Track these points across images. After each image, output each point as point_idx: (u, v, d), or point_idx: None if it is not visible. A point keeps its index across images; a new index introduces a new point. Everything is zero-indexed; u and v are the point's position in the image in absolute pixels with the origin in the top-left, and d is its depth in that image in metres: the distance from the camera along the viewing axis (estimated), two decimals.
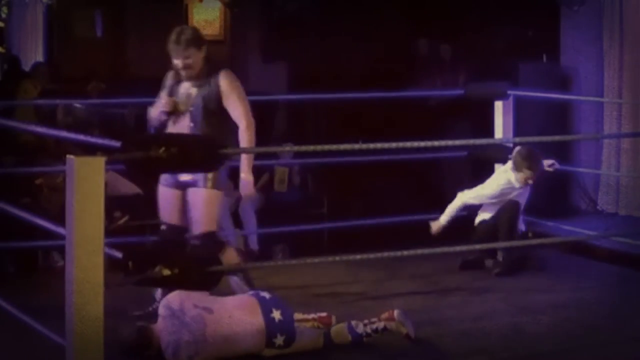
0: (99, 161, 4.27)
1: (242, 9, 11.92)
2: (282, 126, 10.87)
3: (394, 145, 4.81)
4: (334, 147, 5.31)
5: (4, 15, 11.50)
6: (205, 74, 5.85)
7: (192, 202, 5.85)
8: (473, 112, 9.12)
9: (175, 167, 4.93)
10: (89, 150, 6.12)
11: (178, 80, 5.92)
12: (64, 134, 5.98)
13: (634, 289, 6.93)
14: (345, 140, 5.29)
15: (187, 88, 5.89)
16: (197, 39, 5.84)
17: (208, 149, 4.58)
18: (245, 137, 5.79)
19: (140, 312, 5.91)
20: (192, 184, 5.83)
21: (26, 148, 8.34)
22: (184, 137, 5.37)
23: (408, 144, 4.77)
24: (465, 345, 5.52)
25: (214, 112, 5.83)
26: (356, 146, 5.38)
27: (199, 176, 5.78)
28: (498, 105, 8.03)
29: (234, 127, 5.85)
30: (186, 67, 5.81)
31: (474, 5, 10.87)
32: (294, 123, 10.82)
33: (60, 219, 4.46)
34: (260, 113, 10.15)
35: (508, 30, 10.62)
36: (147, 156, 4.37)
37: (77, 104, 8.91)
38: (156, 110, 5.96)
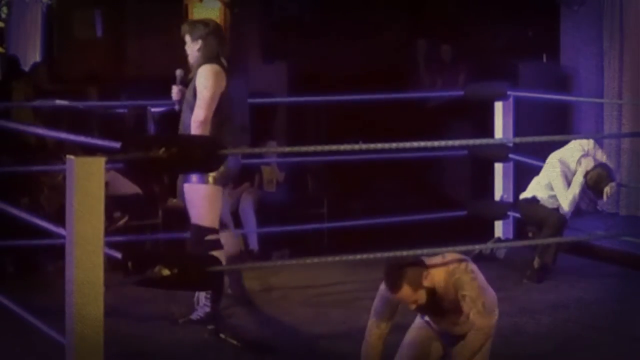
0: (99, 161, 4.26)
1: (242, 9, 11.91)
2: (282, 126, 10.87)
3: (394, 145, 4.81)
4: (333, 147, 5.31)
5: (3, 15, 11.48)
6: (196, 68, 5.90)
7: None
8: (473, 113, 9.12)
9: (175, 168, 4.94)
10: (89, 150, 6.13)
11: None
12: (64, 134, 5.98)
13: (634, 289, 6.93)
14: (345, 140, 5.29)
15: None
16: (192, 29, 5.92)
17: (208, 149, 4.58)
18: (193, 128, 5.79)
19: (184, 318, 6.01)
20: None
21: (26, 148, 8.34)
22: (184, 137, 5.37)
23: (408, 144, 4.77)
24: None
25: (192, 106, 5.87)
26: (356, 146, 5.38)
27: None
28: (498, 105, 8.03)
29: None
30: (187, 54, 5.98)
31: (474, 6, 10.86)
32: (293, 123, 10.82)
33: (59, 219, 4.46)
34: (260, 113, 10.20)
35: (508, 30, 10.62)
36: (147, 156, 4.37)
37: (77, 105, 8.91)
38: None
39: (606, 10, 9.40)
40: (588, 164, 7.04)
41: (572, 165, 7.12)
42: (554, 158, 7.23)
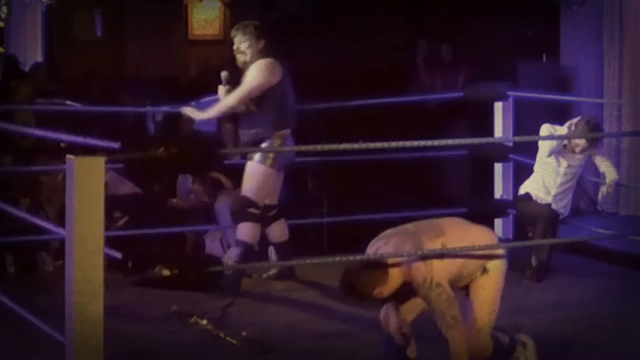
0: (99, 161, 4.27)
1: (242, 9, 11.93)
2: None
3: (393, 144, 4.80)
4: (334, 147, 5.30)
5: (3, 15, 11.47)
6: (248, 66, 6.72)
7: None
8: (473, 113, 9.12)
9: (175, 168, 4.94)
10: (89, 150, 6.13)
11: None
12: (64, 135, 5.97)
13: (634, 289, 6.93)
14: (345, 140, 5.28)
15: None
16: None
17: (207, 149, 4.58)
18: None
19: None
20: None
21: (26, 148, 8.34)
22: (183, 138, 5.38)
23: (408, 144, 4.76)
24: None
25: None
26: (356, 146, 5.37)
27: None
28: (498, 106, 8.03)
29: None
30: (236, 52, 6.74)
31: (474, 6, 10.87)
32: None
33: (60, 219, 4.46)
34: None
35: (508, 30, 10.62)
36: (147, 156, 4.37)
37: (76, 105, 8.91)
38: None
39: (606, 10, 9.40)
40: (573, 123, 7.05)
41: (560, 129, 7.11)
42: (545, 127, 7.18)
